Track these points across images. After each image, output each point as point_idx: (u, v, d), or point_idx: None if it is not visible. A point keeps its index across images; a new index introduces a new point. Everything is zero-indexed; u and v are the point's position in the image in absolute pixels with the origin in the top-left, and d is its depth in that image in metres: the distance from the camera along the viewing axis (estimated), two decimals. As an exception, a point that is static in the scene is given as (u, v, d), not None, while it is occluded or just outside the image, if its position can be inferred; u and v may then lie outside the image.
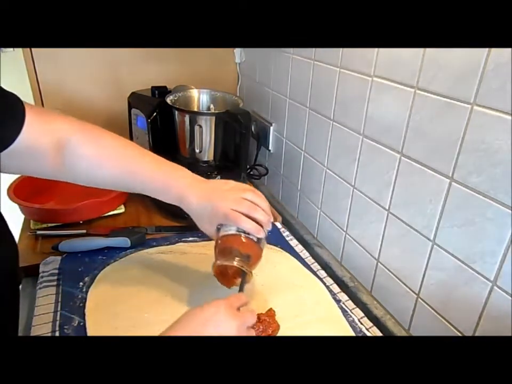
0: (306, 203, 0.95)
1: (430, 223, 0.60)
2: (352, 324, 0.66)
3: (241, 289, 0.59)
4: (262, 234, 0.60)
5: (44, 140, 0.53)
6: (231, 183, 0.63)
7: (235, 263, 0.58)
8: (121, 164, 0.59)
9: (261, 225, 0.60)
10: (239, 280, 0.62)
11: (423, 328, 0.64)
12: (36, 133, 0.52)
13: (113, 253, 0.79)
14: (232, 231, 0.59)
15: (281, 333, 0.62)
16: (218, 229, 0.61)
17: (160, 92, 0.98)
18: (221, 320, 0.48)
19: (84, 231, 0.85)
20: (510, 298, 0.49)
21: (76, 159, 0.56)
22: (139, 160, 0.60)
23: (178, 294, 0.68)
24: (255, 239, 0.60)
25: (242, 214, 0.58)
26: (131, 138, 1.04)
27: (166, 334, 0.46)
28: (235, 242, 0.59)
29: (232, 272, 0.62)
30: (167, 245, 0.83)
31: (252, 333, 0.53)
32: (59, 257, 0.77)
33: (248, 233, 0.59)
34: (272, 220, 0.62)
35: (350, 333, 0.64)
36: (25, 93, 1.01)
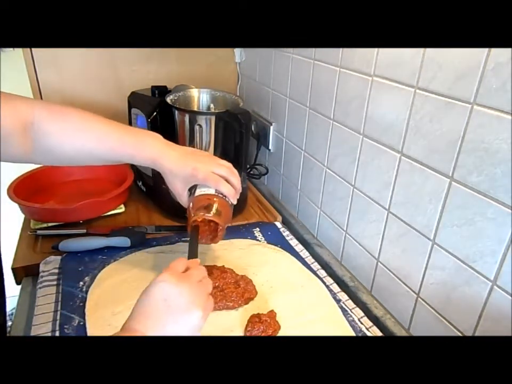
0: (306, 202, 0.95)
1: (430, 223, 0.60)
2: (352, 324, 0.66)
3: (191, 246, 0.60)
4: (235, 200, 0.66)
5: (8, 121, 0.52)
6: (204, 152, 0.69)
7: (211, 216, 0.61)
8: (89, 135, 0.60)
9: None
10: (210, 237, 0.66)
11: (423, 328, 0.64)
12: None
13: (113, 253, 0.79)
14: (211, 191, 0.63)
15: (281, 332, 0.62)
16: (190, 191, 0.65)
17: (160, 91, 0.98)
18: (168, 292, 0.46)
19: (84, 230, 0.85)
20: (510, 298, 0.49)
21: (43, 137, 0.56)
22: (107, 128, 0.61)
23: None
24: (230, 203, 0.65)
25: (221, 177, 0.63)
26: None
27: (125, 326, 0.45)
28: (212, 199, 0.63)
29: (206, 230, 0.65)
30: (167, 244, 0.83)
31: (206, 284, 0.51)
32: (59, 257, 0.77)
33: (225, 196, 0.63)
34: (241, 189, 0.67)
35: (350, 332, 0.64)
36: (25, 93, 1.00)
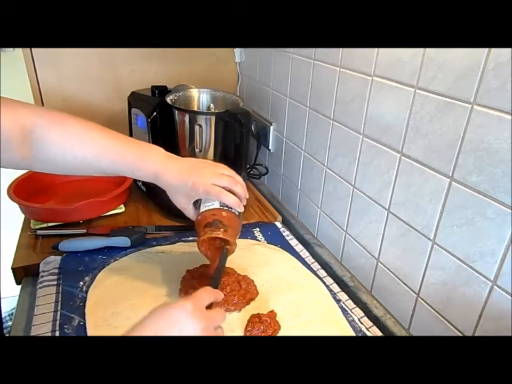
0: (306, 202, 0.95)
1: (430, 223, 0.60)
2: (352, 324, 0.66)
3: (218, 269, 0.60)
4: (242, 208, 0.63)
5: (7, 127, 0.52)
6: (206, 161, 0.66)
7: (221, 234, 0.60)
8: (91, 146, 0.59)
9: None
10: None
11: (423, 328, 0.64)
12: None
13: (113, 253, 0.79)
14: (215, 205, 0.62)
15: (281, 332, 0.62)
16: (195, 205, 0.64)
17: (160, 91, 0.98)
18: (186, 324, 0.45)
19: (84, 230, 0.85)
20: (510, 298, 0.49)
21: (43, 145, 0.56)
22: (108, 140, 0.60)
23: (178, 294, 0.68)
24: (236, 213, 0.63)
25: (223, 188, 0.61)
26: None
27: (128, 335, 0.44)
28: (219, 215, 0.61)
29: (216, 246, 0.64)
30: (167, 244, 0.83)
31: (220, 333, 0.51)
32: (59, 257, 0.77)
33: (230, 208, 0.62)
34: (247, 196, 0.65)
35: (350, 332, 0.64)
36: (25, 93, 1.01)
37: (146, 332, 0.44)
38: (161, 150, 0.64)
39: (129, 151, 0.61)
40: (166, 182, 0.62)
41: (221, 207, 0.62)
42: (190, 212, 0.65)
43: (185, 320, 0.45)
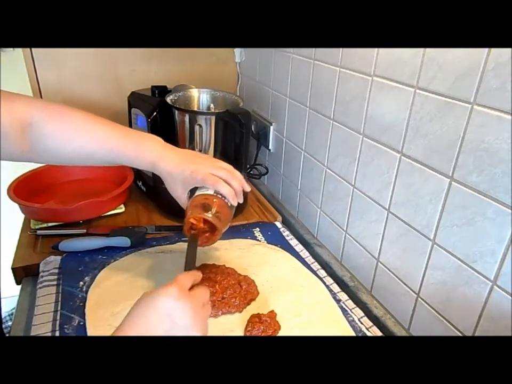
0: (306, 202, 0.95)
1: (430, 223, 0.60)
2: (352, 324, 0.66)
3: (190, 252, 0.59)
4: (235, 202, 0.63)
5: (6, 120, 0.52)
6: (204, 155, 0.68)
7: (211, 218, 0.60)
8: (90, 137, 0.59)
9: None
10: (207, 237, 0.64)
11: (423, 328, 0.64)
12: None
13: (113, 253, 0.79)
14: (209, 192, 0.62)
15: (281, 332, 0.62)
16: (189, 195, 0.64)
17: (160, 91, 0.98)
18: (174, 309, 0.46)
19: (84, 230, 0.85)
20: (510, 298, 0.49)
21: (42, 137, 0.56)
22: (106, 130, 0.61)
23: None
24: (229, 204, 0.63)
25: (221, 179, 0.62)
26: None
27: (119, 332, 0.44)
28: (210, 200, 0.61)
29: (202, 230, 0.63)
30: (167, 244, 0.83)
31: (208, 309, 0.52)
32: (59, 257, 0.77)
33: (224, 197, 0.62)
34: (247, 190, 0.66)
35: (350, 332, 0.64)
36: (25, 93, 1.00)
37: (137, 327, 0.44)
38: (159, 139, 0.65)
39: (128, 140, 0.62)
40: (163, 170, 0.63)
41: (215, 194, 0.62)
42: (184, 201, 0.65)
43: (172, 305, 0.46)
